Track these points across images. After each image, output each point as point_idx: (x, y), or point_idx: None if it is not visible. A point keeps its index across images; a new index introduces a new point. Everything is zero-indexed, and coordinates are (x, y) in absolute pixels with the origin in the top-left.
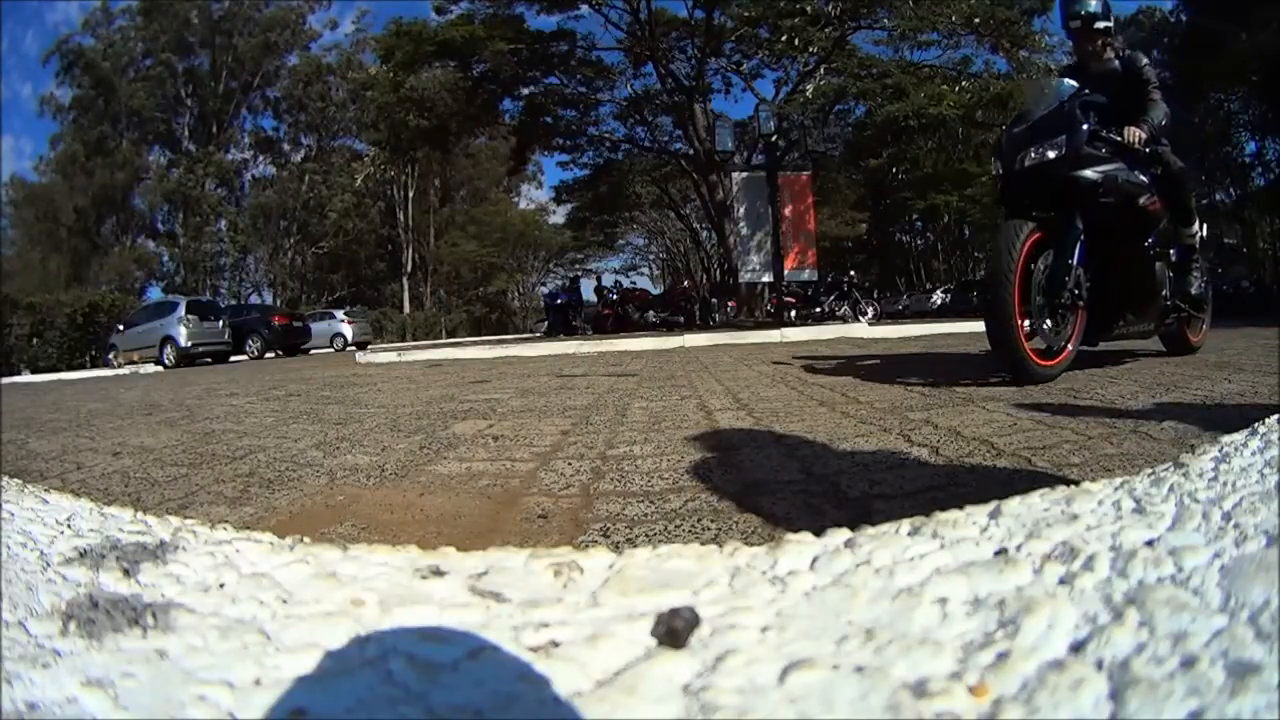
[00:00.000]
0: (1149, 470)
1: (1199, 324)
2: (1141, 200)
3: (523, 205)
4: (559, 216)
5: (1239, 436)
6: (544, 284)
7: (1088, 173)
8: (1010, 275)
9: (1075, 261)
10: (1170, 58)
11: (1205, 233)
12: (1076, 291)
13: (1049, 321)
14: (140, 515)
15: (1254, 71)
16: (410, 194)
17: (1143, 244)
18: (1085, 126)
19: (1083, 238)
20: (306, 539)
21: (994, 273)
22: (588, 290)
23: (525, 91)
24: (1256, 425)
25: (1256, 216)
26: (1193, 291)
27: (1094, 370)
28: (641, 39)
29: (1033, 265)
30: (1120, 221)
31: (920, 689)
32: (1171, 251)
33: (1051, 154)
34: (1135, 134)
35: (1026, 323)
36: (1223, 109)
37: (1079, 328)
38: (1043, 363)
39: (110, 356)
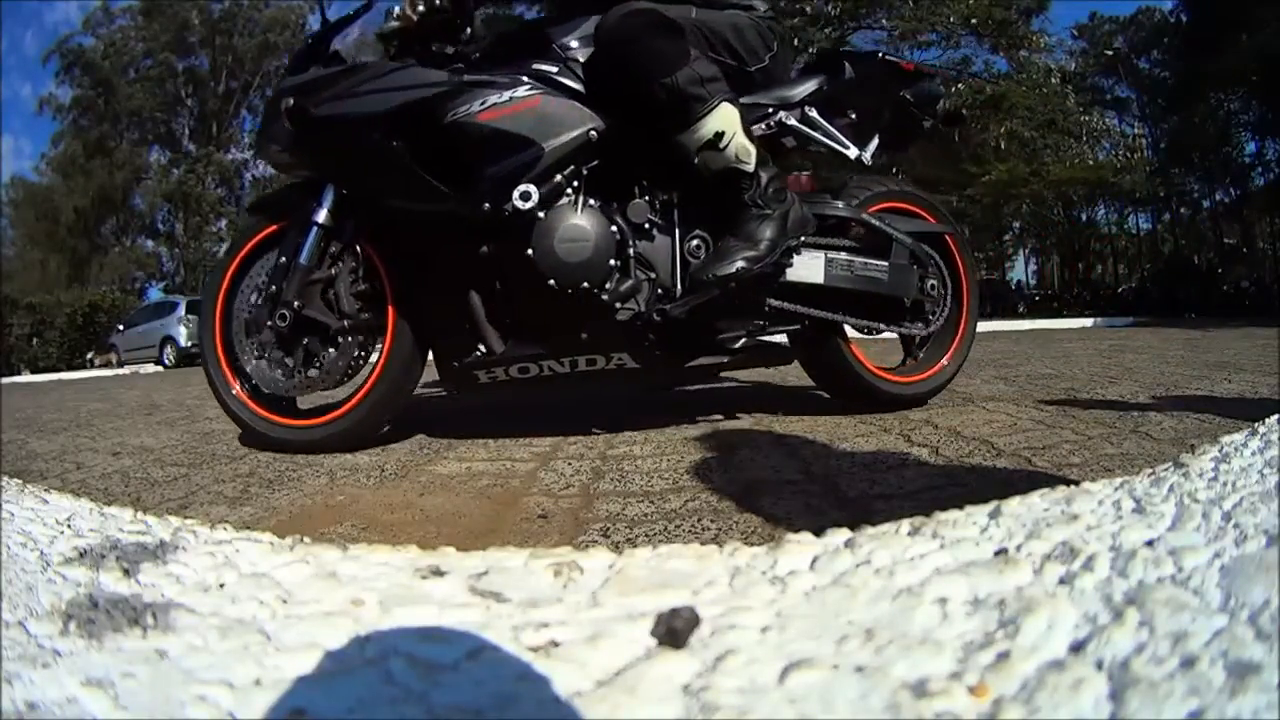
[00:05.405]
0: (1149, 470)
1: (938, 346)
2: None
3: None
4: None
5: (1239, 436)
6: None
7: (294, 79)
8: (211, 297)
9: (303, 256)
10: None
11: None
12: (297, 306)
13: (269, 361)
14: (140, 515)
15: (1254, 71)
16: None
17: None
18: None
19: (320, 219)
20: (306, 539)
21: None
22: None
23: None
24: (1256, 425)
25: (1256, 216)
26: (734, 270)
27: (1092, 372)
28: None
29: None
30: (391, 150)
31: (920, 689)
32: (639, 194)
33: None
34: None
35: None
36: (1223, 109)
37: (382, 367)
38: (283, 419)
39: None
